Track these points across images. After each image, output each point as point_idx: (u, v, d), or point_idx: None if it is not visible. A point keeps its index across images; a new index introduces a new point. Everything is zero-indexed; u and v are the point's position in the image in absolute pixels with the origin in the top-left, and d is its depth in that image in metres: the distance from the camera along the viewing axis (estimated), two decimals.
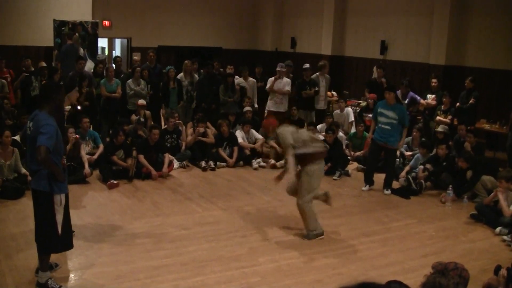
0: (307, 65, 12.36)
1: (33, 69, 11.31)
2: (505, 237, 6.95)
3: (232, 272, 5.64)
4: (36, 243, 5.14)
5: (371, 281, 2.22)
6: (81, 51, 13.80)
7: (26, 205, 7.13)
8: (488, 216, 7.47)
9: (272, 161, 10.27)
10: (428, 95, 11.70)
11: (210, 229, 6.89)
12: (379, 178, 9.18)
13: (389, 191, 8.86)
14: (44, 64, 11.65)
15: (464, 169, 8.65)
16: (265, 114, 12.29)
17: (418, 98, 11.73)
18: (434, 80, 11.76)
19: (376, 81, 12.48)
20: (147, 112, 10.92)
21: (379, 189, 9.01)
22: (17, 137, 8.61)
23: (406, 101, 11.62)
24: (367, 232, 7.07)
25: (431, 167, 9.13)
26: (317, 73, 12.09)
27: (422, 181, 9.00)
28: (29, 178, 6.58)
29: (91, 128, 9.89)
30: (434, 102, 11.42)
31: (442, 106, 11.11)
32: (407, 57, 14.33)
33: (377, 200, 8.60)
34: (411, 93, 11.69)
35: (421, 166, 9.20)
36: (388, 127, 8.68)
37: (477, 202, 8.04)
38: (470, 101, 10.74)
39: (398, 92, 11.82)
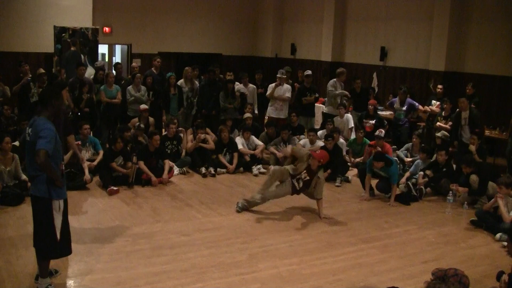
0: (309, 72, 12.39)
1: (30, 75, 11.31)
2: (505, 243, 6.93)
3: (232, 279, 5.63)
4: (35, 249, 5.14)
5: (369, 287, 2.22)
6: (81, 57, 13.85)
7: (26, 211, 7.13)
8: (488, 222, 7.47)
9: (272, 167, 10.24)
10: (433, 101, 11.71)
11: (210, 235, 6.89)
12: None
13: (388, 195, 8.89)
14: (42, 70, 11.67)
15: (468, 174, 8.63)
16: (265, 120, 12.31)
17: (417, 104, 11.77)
18: (440, 87, 11.78)
19: (355, 91, 12.58)
20: (151, 119, 10.92)
21: (379, 196, 9.01)
22: (16, 143, 8.61)
23: (405, 108, 11.67)
24: (367, 238, 7.06)
25: (431, 173, 9.13)
26: (335, 79, 12.25)
27: (422, 187, 9.00)
28: (29, 184, 6.58)
29: (91, 134, 9.90)
30: (438, 109, 11.42)
31: (443, 112, 11.13)
32: (407, 63, 14.36)
33: (377, 206, 8.60)
34: (409, 100, 11.73)
35: (421, 172, 9.21)
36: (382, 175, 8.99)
37: (477, 208, 8.04)
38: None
39: (396, 99, 11.90)
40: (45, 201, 4.92)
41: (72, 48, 13.73)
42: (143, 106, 10.73)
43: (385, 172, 8.74)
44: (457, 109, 10.13)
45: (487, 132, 11.37)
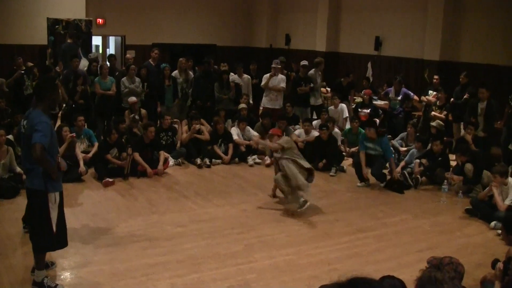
0: (305, 62, 12.35)
1: (24, 67, 11.26)
2: (499, 232, 6.96)
3: (229, 269, 5.64)
4: (31, 242, 5.14)
5: (362, 276, 2.22)
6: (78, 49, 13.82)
7: (21, 204, 7.07)
8: (483, 210, 7.50)
9: (268, 158, 10.25)
10: (430, 91, 11.72)
11: (206, 226, 6.90)
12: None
13: (383, 184, 8.92)
14: (31, 64, 11.59)
15: (463, 163, 8.66)
16: (260, 111, 12.29)
17: (412, 94, 11.78)
18: (436, 77, 11.79)
19: (341, 83, 12.58)
20: (143, 111, 10.88)
21: (375, 185, 9.03)
22: (10, 136, 8.57)
23: (400, 97, 11.68)
24: (362, 227, 7.09)
25: (426, 162, 9.15)
26: (314, 69, 12.17)
27: (418, 176, 9.02)
28: (24, 177, 6.56)
29: (86, 127, 9.87)
30: (435, 99, 11.43)
31: (437, 102, 11.15)
32: (402, 53, 14.34)
33: (373, 195, 8.62)
34: (404, 89, 11.74)
35: (417, 161, 9.21)
36: (374, 154, 9.00)
37: (472, 197, 8.07)
38: (465, 96, 10.77)
39: (391, 89, 11.91)
40: (41, 194, 4.90)
41: (69, 41, 13.67)
42: (131, 99, 10.61)
43: (378, 144, 8.79)
44: (470, 99, 10.14)
45: None
